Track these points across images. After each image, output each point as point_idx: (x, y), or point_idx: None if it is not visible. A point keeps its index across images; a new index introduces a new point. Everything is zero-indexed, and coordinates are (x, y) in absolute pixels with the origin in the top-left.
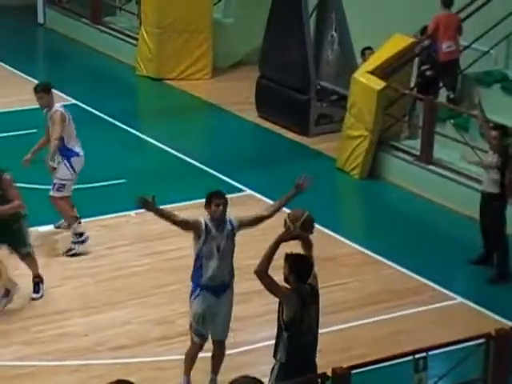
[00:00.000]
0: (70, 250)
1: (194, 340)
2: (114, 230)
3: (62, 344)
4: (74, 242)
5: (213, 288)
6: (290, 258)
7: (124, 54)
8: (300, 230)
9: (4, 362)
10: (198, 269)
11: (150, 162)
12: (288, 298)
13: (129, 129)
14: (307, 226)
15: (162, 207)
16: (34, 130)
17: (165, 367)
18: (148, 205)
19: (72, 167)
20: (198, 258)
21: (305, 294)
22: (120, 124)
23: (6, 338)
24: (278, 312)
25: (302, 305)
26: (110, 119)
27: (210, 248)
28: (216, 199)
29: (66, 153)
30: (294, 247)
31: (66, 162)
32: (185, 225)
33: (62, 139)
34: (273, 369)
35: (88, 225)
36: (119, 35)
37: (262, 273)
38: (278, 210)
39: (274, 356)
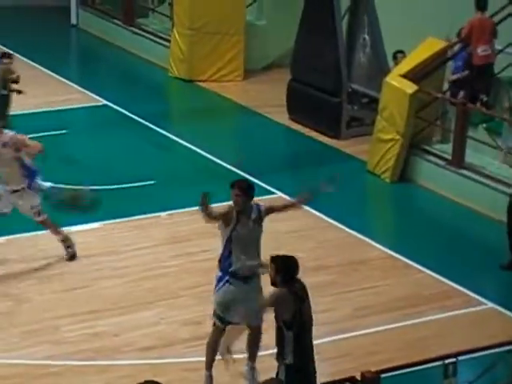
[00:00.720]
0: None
1: (215, 324)
2: (144, 230)
3: (90, 344)
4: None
5: (242, 275)
6: (275, 259)
7: (156, 55)
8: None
9: (33, 361)
10: (226, 257)
11: (180, 164)
12: (282, 298)
13: (160, 130)
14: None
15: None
16: (64, 131)
17: (192, 368)
18: (205, 202)
19: (36, 188)
20: (227, 244)
21: (295, 289)
22: (151, 125)
23: (35, 336)
24: (276, 318)
25: (297, 300)
26: (142, 120)
27: (238, 234)
28: (234, 190)
29: (31, 174)
30: None
31: (32, 185)
32: (222, 216)
33: (24, 163)
34: (277, 374)
35: (118, 226)
36: (151, 37)
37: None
38: (299, 204)
39: (278, 359)
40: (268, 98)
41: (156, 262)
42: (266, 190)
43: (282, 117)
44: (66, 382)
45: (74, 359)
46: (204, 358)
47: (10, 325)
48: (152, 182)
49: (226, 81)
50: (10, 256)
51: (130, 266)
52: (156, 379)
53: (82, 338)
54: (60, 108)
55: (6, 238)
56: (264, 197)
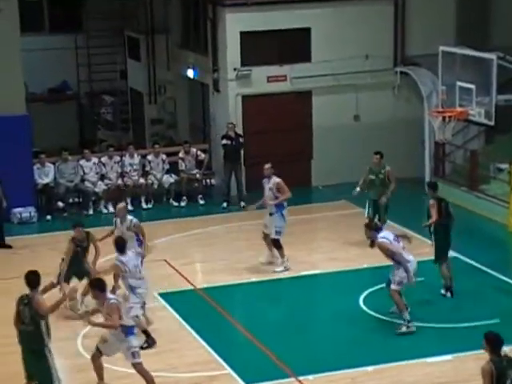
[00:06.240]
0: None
1: None
2: None
3: None
4: None
5: None
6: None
7: (497, 214)
8: None
9: None
10: None
11: None
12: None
13: (501, 276)
14: None
15: None
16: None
17: None
18: None
19: None
20: None
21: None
22: (493, 272)
23: None
24: None
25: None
26: (485, 268)
27: None
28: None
29: None
30: None
31: None
32: None
33: None
34: None
35: (467, 358)
36: (493, 199)
37: None
38: None
39: None
40: None
41: None
42: None
43: None
44: None
45: None
46: None
47: None
48: (497, 321)
49: None
50: None
51: None
52: None
53: None
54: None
55: None
56: None
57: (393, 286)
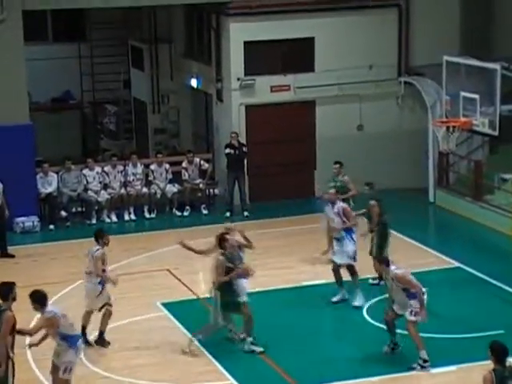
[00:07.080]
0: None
1: None
2: None
3: None
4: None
5: None
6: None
7: (501, 224)
8: None
9: None
10: None
11: None
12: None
13: (505, 287)
14: None
15: None
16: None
17: None
18: None
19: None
20: None
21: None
22: (497, 283)
23: None
24: None
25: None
26: (489, 279)
27: None
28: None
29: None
30: None
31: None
32: None
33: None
34: None
35: (474, 368)
36: (497, 210)
37: None
38: None
39: None
40: None
41: None
42: None
43: None
44: None
45: None
46: None
47: None
48: (501, 332)
49: None
50: None
51: None
52: None
53: None
54: (419, 270)
55: None
56: None
57: (411, 318)
